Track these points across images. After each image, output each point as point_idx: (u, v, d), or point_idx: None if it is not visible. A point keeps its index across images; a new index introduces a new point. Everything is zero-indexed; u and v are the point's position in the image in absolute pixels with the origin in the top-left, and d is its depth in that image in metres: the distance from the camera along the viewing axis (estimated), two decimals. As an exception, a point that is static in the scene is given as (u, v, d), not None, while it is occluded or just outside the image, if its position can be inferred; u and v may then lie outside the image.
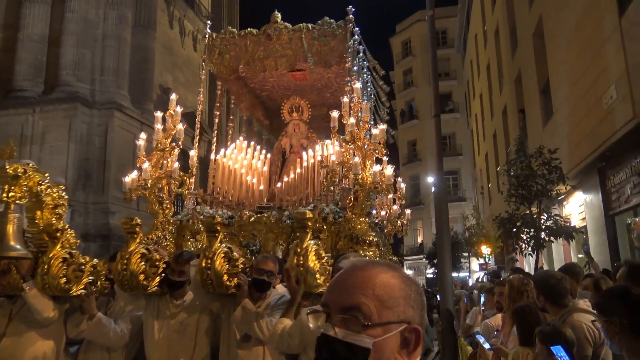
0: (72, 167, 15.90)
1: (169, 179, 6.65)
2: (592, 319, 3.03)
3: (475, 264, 26.24)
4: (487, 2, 22.58)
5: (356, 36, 7.43)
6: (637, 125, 7.91)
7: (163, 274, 3.77)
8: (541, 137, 13.58)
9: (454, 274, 24.34)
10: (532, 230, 9.99)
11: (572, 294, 3.88)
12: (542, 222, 10.12)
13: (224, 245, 3.60)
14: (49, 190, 4.04)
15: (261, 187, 7.34)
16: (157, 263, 3.77)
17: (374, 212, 8.91)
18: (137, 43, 18.64)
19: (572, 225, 11.45)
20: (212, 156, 7.63)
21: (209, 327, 3.73)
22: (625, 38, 8.03)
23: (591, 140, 9.87)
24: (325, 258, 3.44)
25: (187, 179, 6.95)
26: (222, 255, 3.49)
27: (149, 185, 6.51)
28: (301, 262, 3.24)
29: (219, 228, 3.55)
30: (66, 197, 4.16)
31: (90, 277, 3.94)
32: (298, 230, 3.44)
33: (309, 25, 7.27)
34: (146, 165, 6.54)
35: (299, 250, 3.31)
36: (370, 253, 5.63)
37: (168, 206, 6.69)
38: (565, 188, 11.05)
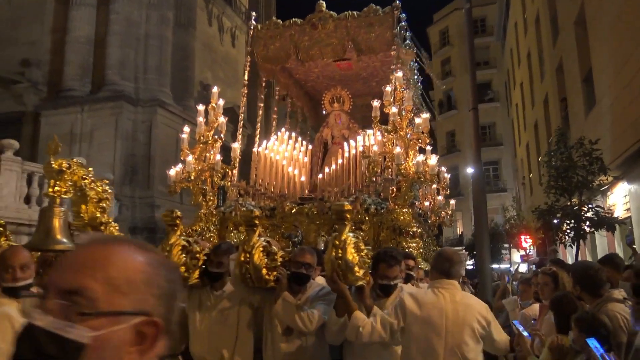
0: (119, 162, 16.58)
1: (211, 171, 6.85)
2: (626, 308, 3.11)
3: (516, 255, 25.83)
4: (527, -12, 22.09)
5: (403, 23, 7.33)
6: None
7: (203, 266, 3.78)
8: (584, 126, 13.31)
9: (495, 266, 24.12)
10: (572, 221, 9.87)
11: (613, 284, 3.93)
12: (583, 213, 9.98)
13: (262, 238, 3.59)
14: (92, 184, 4.18)
15: (302, 179, 7.37)
16: (197, 255, 3.77)
17: (417, 202, 8.94)
18: (177, 42, 19.18)
19: (615, 216, 11.23)
20: (255, 148, 7.74)
21: (251, 319, 3.69)
22: (670, 25, 7.83)
23: (635, 130, 9.65)
24: (365, 251, 3.39)
25: (230, 171, 7.10)
26: (261, 249, 3.49)
27: (192, 177, 6.72)
28: (339, 255, 3.19)
29: (257, 222, 3.54)
30: (110, 191, 4.33)
31: None
32: (337, 223, 3.38)
33: (355, 13, 7.23)
34: (190, 159, 6.76)
35: (337, 242, 3.25)
36: (414, 244, 5.68)
37: (211, 198, 6.89)
38: (607, 179, 10.83)
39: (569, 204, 10.11)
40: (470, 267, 33.26)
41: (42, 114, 17.52)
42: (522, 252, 22.66)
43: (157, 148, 17.10)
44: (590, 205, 10.30)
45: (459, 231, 39.39)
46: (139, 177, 16.88)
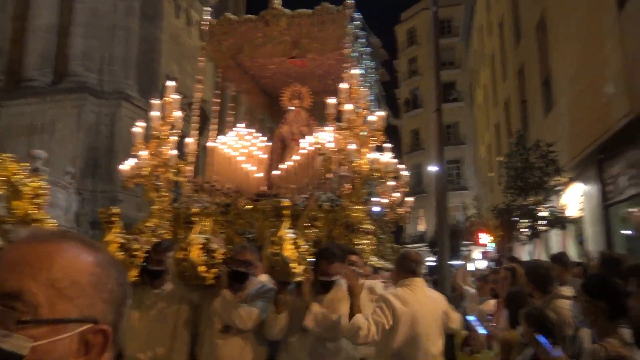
0: (80, 156, 16.24)
1: (166, 167, 6.64)
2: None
3: (476, 252, 26.54)
4: (491, -8, 22.65)
5: (357, 22, 7.33)
6: (633, 120, 8.14)
7: (143, 264, 3.74)
8: (542, 128, 13.80)
9: (454, 262, 24.70)
10: (528, 220, 10.27)
11: (561, 281, 4.17)
12: (538, 212, 10.40)
13: (202, 236, 3.52)
14: (25, 180, 4.03)
15: (259, 175, 7.31)
16: (136, 253, 3.73)
17: (376, 199, 9.04)
18: (144, 34, 18.87)
19: (569, 215, 11.72)
20: (210, 143, 7.62)
21: (189, 317, 3.68)
22: (624, 34, 8.23)
23: (590, 133, 10.10)
24: (304, 247, 3.43)
25: (185, 167, 6.91)
26: (199, 246, 3.43)
27: (146, 173, 6.51)
28: (277, 251, 3.21)
29: (195, 219, 3.51)
30: (48, 186, 4.22)
31: None
32: (275, 219, 3.44)
33: (307, 11, 7.21)
34: (143, 153, 6.55)
35: (274, 239, 3.27)
36: (366, 242, 5.70)
37: (165, 194, 6.70)
38: (561, 180, 11.30)
39: (525, 203, 10.51)
40: (432, 264, 34.03)
41: (1, 104, 16.98)
42: (482, 249, 23.31)
43: (121, 142, 16.80)
44: (545, 205, 10.73)
45: (421, 228, 40.09)
46: (101, 170, 16.57)
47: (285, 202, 3.36)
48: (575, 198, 12.73)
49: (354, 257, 4.39)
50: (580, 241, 8.81)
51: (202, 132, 8.03)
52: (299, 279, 3.32)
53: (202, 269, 3.41)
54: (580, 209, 12.17)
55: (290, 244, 3.28)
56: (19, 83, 17.02)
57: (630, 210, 9.83)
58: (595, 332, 2.49)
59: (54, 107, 16.70)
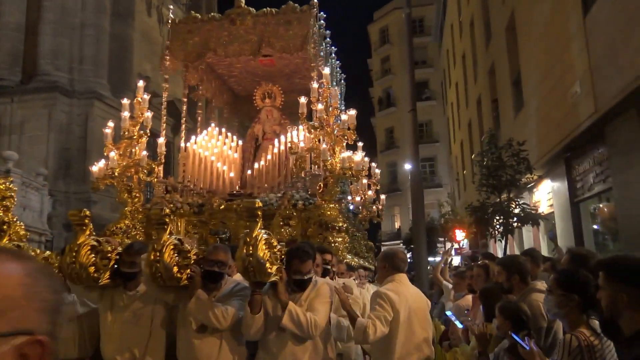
0: (52, 156, 15.97)
1: (137, 167, 6.67)
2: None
3: (453, 245, 26.97)
4: (462, -7, 23.03)
5: (322, 21, 7.43)
6: (598, 119, 8.45)
7: (115, 266, 3.72)
8: (512, 127, 14.13)
9: (430, 259, 25.10)
10: (501, 217, 10.55)
11: (532, 276, 4.34)
12: (511, 209, 10.69)
13: (174, 237, 3.50)
14: None
15: (232, 175, 7.31)
16: (108, 255, 3.68)
17: (349, 197, 9.14)
18: (115, 32, 18.64)
19: (540, 211, 12.06)
20: (182, 144, 7.59)
21: (165, 317, 3.68)
22: (589, 37, 8.52)
23: (558, 132, 10.41)
24: (278, 247, 3.44)
25: (156, 167, 6.94)
26: (172, 247, 3.41)
27: (116, 174, 6.55)
28: (251, 251, 3.18)
29: (167, 220, 3.47)
30: (15, 189, 4.17)
31: None
32: (248, 220, 3.37)
33: (273, 10, 7.25)
34: (113, 154, 6.57)
35: (248, 240, 3.24)
36: (340, 239, 5.81)
37: (137, 195, 6.73)
38: (533, 177, 11.63)
39: (498, 200, 10.78)
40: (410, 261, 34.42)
41: (-32, 104, 16.58)
42: (456, 246, 23.71)
43: (94, 142, 16.57)
44: (517, 202, 11.03)
45: (396, 225, 40.52)
46: (73, 171, 16.32)
47: (258, 203, 3.32)
48: (544, 195, 13.11)
49: (327, 256, 4.48)
50: (551, 237, 9.10)
51: (177, 131, 7.98)
52: (273, 279, 3.31)
53: (174, 269, 3.41)
54: (550, 206, 12.54)
55: (264, 244, 3.27)
56: (-14, 82, 16.63)
57: (597, 206, 10.20)
58: (566, 324, 2.63)
59: (24, 107, 16.37)
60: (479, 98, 20.28)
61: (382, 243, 37.52)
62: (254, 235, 3.24)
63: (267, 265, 3.22)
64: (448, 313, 5.04)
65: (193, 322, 3.43)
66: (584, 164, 10.26)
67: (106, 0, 18.44)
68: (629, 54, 7.15)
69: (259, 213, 3.30)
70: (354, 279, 5.59)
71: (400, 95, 39.53)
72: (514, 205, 10.80)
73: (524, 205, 11.08)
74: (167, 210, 3.56)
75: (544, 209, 12.83)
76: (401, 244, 35.67)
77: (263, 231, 3.33)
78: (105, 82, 17.70)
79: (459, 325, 4.74)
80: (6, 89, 16.48)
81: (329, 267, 4.50)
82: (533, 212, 11.11)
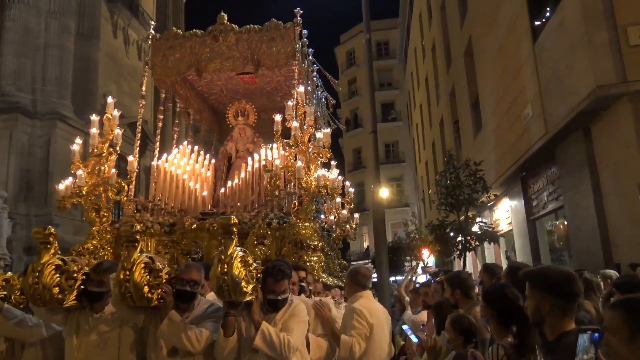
0: (12, 179, 15.62)
1: (106, 185, 6.47)
2: None
3: (418, 264, 27.29)
4: (424, 18, 23.80)
5: (304, 39, 7.42)
6: (549, 140, 8.89)
7: (82, 287, 3.51)
8: (472, 148, 14.62)
9: (399, 277, 25.31)
10: (460, 235, 10.87)
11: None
12: (469, 228, 11.03)
13: (144, 255, 3.32)
14: None
15: (204, 193, 7.19)
16: (74, 275, 3.48)
17: (322, 216, 9.16)
18: (80, 52, 18.50)
19: (500, 229, 12.46)
20: (154, 162, 7.44)
21: (134, 341, 3.46)
22: (538, 63, 9.00)
23: (513, 153, 10.87)
24: (254, 265, 3.29)
25: (126, 186, 6.74)
26: (143, 265, 3.23)
27: (83, 192, 6.35)
28: (225, 269, 3.05)
29: (138, 237, 3.30)
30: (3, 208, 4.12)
31: (3, 292, 3.77)
32: (222, 237, 3.21)
33: (256, 27, 7.23)
34: (81, 172, 6.39)
35: (223, 257, 3.09)
36: (315, 258, 5.77)
37: (105, 214, 6.51)
38: (488, 197, 12.01)
39: (456, 219, 11.11)
40: (375, 280, 34.63)
41: None
42: (422, 264, 24.03)
43: (56, 163, 16.29)
44: (476, 220, 11.38)
45: (365, 245, 40.74)
46: (34, 194, 15.99)
47: (234, 219, 3.17)
48: (503, 213, 13.56)
49: (302, 273, 4.41)
50: (508, 255, 9.41)
51: (143, 152, 7.92)
52: (248, 298, 3.16)
53: (145, 289, 3.21)
54: (509, 224, 12.97)
55: (240, 262, 3.12)
56: (-56, 103, 16.23)
57: (554, 223, 10.61)
58: (494, 334, 2.83)
59: (-17, 128, 16.02)
60: (441, 119, 20.86)
61: (351, 262, 37.56)
62: (229, 252, 3.09)
63: (243, 284, 3.08)
64: (404, 327, 5.21)
65: (164, 345, 3.24)
66: (538, 183, 10.72)
67: (71, 21, 18.32)
68: (573, 79, 7.61)
69: (235, 230, 3.15)
70: (330, 298, 5.61)
71: (366, 116, 39.97)
72: (472, 224, 11.14)
73: (482, 224, 11.44)
74: (138, 227, 3.35)
75: (503, 226, 13.26)
76: (369, 264, 35.90)
77: (239, 248, 3.18)
78: (68, 103, 17.49)
79: (414, 340, 4.92)
80: (-35, 109, 16.11)
81: (304, 284, 4.42)
82: (490, 230, 11.47)
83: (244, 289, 3.09)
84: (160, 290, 3.27)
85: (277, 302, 3.31)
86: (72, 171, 6.46)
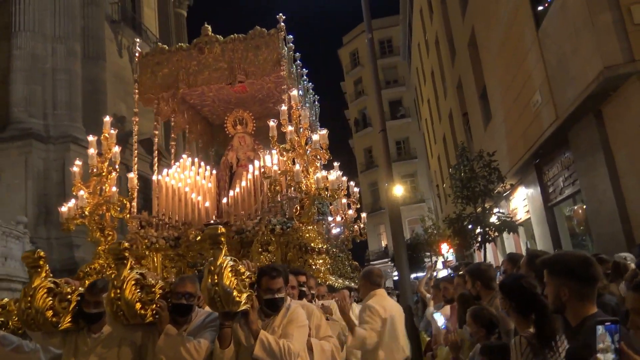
0: (31, 203, 15.85)
1: (108, 204, 6.50)
2: None
3: (439, 262, 27.14)
4: (425, 13, 23.73)
5: (290, 44, 7.41)
6: (560, 125, 8.81)
7: (77, 308, 3.49)
8: (483, 138, 14.53)
9: (420, 274, 25.20)
10: (478, 227, 10.80)
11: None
12: (487, 219, 10.96)
13: (135, 271, 3.28)
14: None
15: (207, 204, 7.20)
16: (68, 297, 3.45)
17: (329, 218, 9.13)
18: (87, 74, 18.74)
19: (518, 218, 12.36)
20: (154, 177, 7.46)
21: (133, 359, 3.43)
22: (543, 48, 8.94)
23: (525, 140, 10.79)
24: (247, 273, 3.23)
25: (128, 203, 6.76)
26: (133, 282, 3.19)
27: (86, 213, 6.39)
28: (216, 280, 2.97)
29: (127, 254, 3.26)
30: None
31: (0, 319, 3.81)
32: (211, 247, 3.15)
33: (241, 36, 7.23)
34: (82, 193, 6.44)
35: (212, 268, 3.02)
36: (320, 261, 5.78)
37: (110, 232, 6.56)
38: (504, 187, 11.92)
39: (474, 211, 11.05)
40: (396, 278, 34.45)
41: (-57, 157, 16.45)
42: (442, 259, 23.90)
43: (72, 185, 16.47)
44: (494, 211, 11.31)
45: (383, 244, 40.64)
46: (53, 217, 16.16)
47: (221, 229, 3.11)
48: (520, 202, 13.45)
49: (301, 277, 4.40)
50: (528, 247, 9.33)
51: (152, 168, 7.88)
52: (243, 308, 3.09)
53: (137, 306, 3.19)
54: (526, 212, 12.86)
55: (230, 271, 3.05)
56: (-41, 134, 16.56)
57: (573, 208, 10.51)
58: (516, 326, 2.82)
59: (0, 156, 16.30)
60: (450, 113, 20.77)
61: (370, 262, 37.53)
62: (218, 262, 3.02)
63: (235, 293, 3.01)
64: (436, 315, 5.24)
65: None
66: (553, 169, 10.62)
67: (76, 45, 18.58)
68: (580, 62, 7.54)
69: (223, 239, 3.10)
70: (335, 301, 5.61)
71: (375, 115, 39.90)
72: (490, 215, 11.07)
73: (500, 214, 11.36)
74: (126, 244, 3.29)
75: (521, 215, 13.14)
76: (389, 262, 35.79)
77: (229, 258, 3.11)
78: (80, 125, 17.72)
79: (442, 327, 4.95)
80: (-20, 139, 16.42)
81: (305, 289, 4.41)
82: (509, 219, 11.38)
83: (237, 299, 3.03)
84: (154, 305, 3.25)
85: (275, 302, 3.25)
86: (74, 192, 6.52)
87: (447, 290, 5.28)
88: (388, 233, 39.89)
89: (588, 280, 2.18)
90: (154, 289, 3.29)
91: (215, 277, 2.98)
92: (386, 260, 38.06)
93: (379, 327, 4.24)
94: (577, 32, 7.50)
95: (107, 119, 6.78)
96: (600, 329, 1.75)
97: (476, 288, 4.17)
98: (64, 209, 6.53)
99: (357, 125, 43.58)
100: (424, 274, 25.65)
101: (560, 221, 11.10)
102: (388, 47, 41.64)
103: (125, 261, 3.22)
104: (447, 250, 22.00)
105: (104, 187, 6.59)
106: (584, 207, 9.40)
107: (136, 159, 7.85)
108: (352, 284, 8.39)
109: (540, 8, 9.16)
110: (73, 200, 6.58)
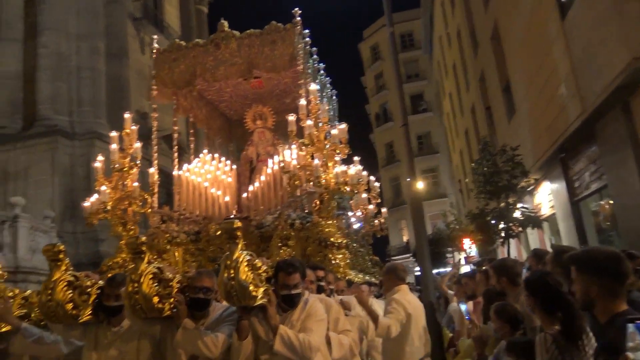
0: (58, 199, 16.19)
1: (130, 199, 6.57)
2: None
3: (461, 258, 26.91)
4: (447, 5, 23.45)
5: (307, 38, 7.36)
6: (587, 118, 8.62)
7: (97, 301, 3.52)
8: (507, 132, 14.32)
9: (442, 270, 25.02)
10: (502, 222, 10.66)
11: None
12: (510, 214, 10.81)
13: (152, 265, 3.26)
14: None
15: (227, 199, 7.21)
16: (88, 290, 3.49)
17: (350, 213, 9.09)
18: (111, 72, 19.02)
19: (542, 213, 12.15)
20: (175, 172, 7.51)
21: (152, 353, 3.43)
22: (569, 40, 8.75)
23: (550, 134, 10.58)
24: (264, 268, 3.22)
25: (149, 198, 6.82)
26: (151, 276, 3.19)
27: (108, 207, 6.45)
28: (232, 275, 2.96)
29: (144, 249, 3.25)
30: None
31: (23, 310, 3.86)
32: (228, 242, 3.14)
33: (256, 31, 7.20)
34: (104, 188, 6.51)
35: (228, 262, 3.00)
36: (340, 256, 5.73)
37: (132, 227, 6.61)
38: (528, 182, 11.74)
39: (497, 206, 10.91)
40: (418, 274, 34.28)
41: (-28, 154, 16.90)
42: (464, 255, 23.69)
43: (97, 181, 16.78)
44: (517, 206, 11.14)
45: (404, 239, 40.47)
46: (79, 212, 16.45)
47: (237, 223, 3.10)
48: (545, 197, 13.22)
49: (320, 272, 4.39)
50: (552, 243, 9.17)
51: (172, 163, 7.93)
52: (260, 302, 3.08)
53: (155, 300, 3.19)
54: (551, 207, 12.64)
55: (246, 266, 3.03)
56: (-12, 132, 16.99)
57: (599, 203, 10.29)
58: (541, 323, 2.77)
59: (27, 152, 16.67)
60: (472, 106, 20.52)
61: (392, 258, 37.39)
62: (234, 257, 3.01)
63: (251, 288, 3.00)
64: (463, 307, 5.23)
65: (182, 354, 3.25)
66: (579, 164, 10.40)
67: (100, 43, 18.86)
68: (606, 54, 7.36)
69: (239, 234, 3.09)
70: (353, 295, 5.57)
71: (396, 109, 39.78)
72: (514, 210, 10.91)
73: (524, 209, 11.18)
74: (143, 238, 3.29)
75: (545, 210, 12.92)
76: (411, 257, 35.62)
77: (245, 252, 3.09)
78: (104, 122, 18.01)
79: (466, 317, 4.93)
80: (9, 136, 16.80)
81: (323, 284, 4.39)
82: (533, 214, 11.20)
83: (253, 293, 3.01)
84: (172, 299, 3.26)
85: (292, 297, 3.25)
86: (96, 188, 6.59)
87: (468, 286, 5.24)
88: (410, 228, 39.68)
89: (618, 277, 2.12)
90: (171, 283, 3.29)
91: (232, 272, 2.97)
92: (407, 255, 37.88)
93: (404, 320, 4.36)
94: (604, 22, 7.31)
95: (128, 115, 6.83)
96: (630, 327, 1.71)
97: (501, 284, 4.11)
98: (86, 204, 6.61)
99: (377, 120, 43.38)
100: (446, 269, 25.53)
101: (586, 216, 10.87)
102: (409, 41, 41.31)
103: (142, 255, 3.22)
104: (469, 246, 21.77)
105: (125, 182, 6.64)
106: (611, 202, 9.19)
107: (156, 154, 7.90)
108: (373, 279, 8.37)
109: (564, -1, 8.97)
110: (96, 195, 6.66)
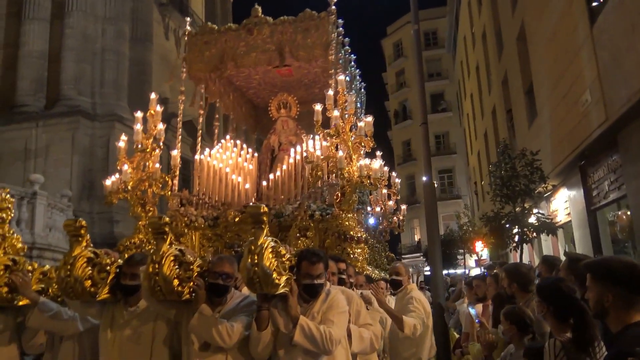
0: (76, 178, 16.43)
1: (150, 180, 6.60)
2: None
3: (471, 260, 26.77)
4: (474, 5, 23.18)
5: (340, 28, 7.23)
6: (610, 127, 8.48)
7: (115, 279, 3.48)
8: (527, 136, 14.15)
9: (452, 271, 24.90)
10: (516, 227, 10.56)
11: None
12: (525, 219, 10.70)
13: (174, 247, 3.21)
14: None
15: (247, 186, 7.18)
16: (107, 267, 3.45)
17: (369, 208, 9.01)
18: (134, 56, 19.19)
19: (557, 220, 12.01)
20: (197, 156, 7.50)
21: (168, 335, 3.38)
22: (596, 46, 8.59)
23: (571, 140, 10.43)
24: (287, 256, 3.13)
25: (170, 180, 6.84)
26: (172, 258, 3.12)
27: (129, 188, 6.51)
28: (256, 261, 2.88)
29: (167, 229, 3.18)
30: (12, 200, 3.98)
31: (41, 285, 3.82)
32: (253, 227, 3.03)
33: (290, 18, 7.11)
34: (126, 168, 6.55)
35: (252, 248, 2.93)
36: (359, 250, 5.71)
37: (151, 208, 6.67)
38: (545, 188, 11.59)
39: (512, 210, 10.80)
40: (428, 274, 34.15)
41: (-5, 130, 17.20)
42: (475, 257, 23.54)
43: (115, 162, 16.95)
44: (533, 211, 11.03)
45: (416, 238, 40.31)
46: (96, 192, 16.72)
47: (264, 208, 3.02)
48: (561, 204, 13.06)
49: (342, 265, 4.32)
50: (566, 251, 9.06)
51: (195, 150, 7.98)
52: (282, 291, 2.99)
53: (175, 282, 3.12)
54: (567, 214, 12.48)
55: (271, 252, 2.95)
56: (12, 109, 17.25)
57: (616, 213, 10.13)
58: (552, 329, 2.75)
59: (48, 131, 16.92)
60: (493, 108, 20.31)
61: (402, 256, 37.30)
62: (259, 242, 2.93)
63: (274, 275, 2.92)
64: (472, 311, 5.19)
65: (195, 339, 3.16)
66: (598, 172, 10.24)
67: (125, 26, 19.02)
68: (634, 62, 7.22)
69: (265, 219, 3.00)
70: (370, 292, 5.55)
71: (415, 108, 39.55)
72: (529, 215, 10.80)
73: (539, 215, 11.07)
74: (166, 219, 3.21)
75: (561, 217, 12.77)
76: (421, 257, 35.48)
77: (270, 239, 3.02)
78: (125, 105, 18.19)
79: (476, 321, 4.91)
80: (31, 114, 17.06)
81: (344, 276, 4.31)
82: (548, 221, 11.08)
83: (276, 281, 2.93)
84: (192, 283, 3.18)
85: (314, 287, 3.14)
86: (118, 167, 6.64)
87: (479, 288, 5.21)
88: (422, 227, 39.52)
89: (634, 287, 2.10)
90: (192, 267, 3.21)
91: (255, 257, 2.89)
92: (418, 254, 37.75)
93: (425, 318, 4.56)
94: (633, 29, 7.18)
95: (154, 96, 6.85)
96: None
97: (512, 289, 4.09)
98: (108, 182, 6.67)
99: (396, 117, 43.16)
100: (459, 270, 25.37)
101: (602, 226, 10.71)
102: (433, 39, 40.96)
103: (165, 236, 3.16)
104: (481, 249, 21.62)
105: (147, 164, 6.68)
106: (629, 212, 9.04)
107: (180, 136, 7.93)
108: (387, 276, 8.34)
109: (595, 4, 8.80)
110: (117, 175, 6.70)
